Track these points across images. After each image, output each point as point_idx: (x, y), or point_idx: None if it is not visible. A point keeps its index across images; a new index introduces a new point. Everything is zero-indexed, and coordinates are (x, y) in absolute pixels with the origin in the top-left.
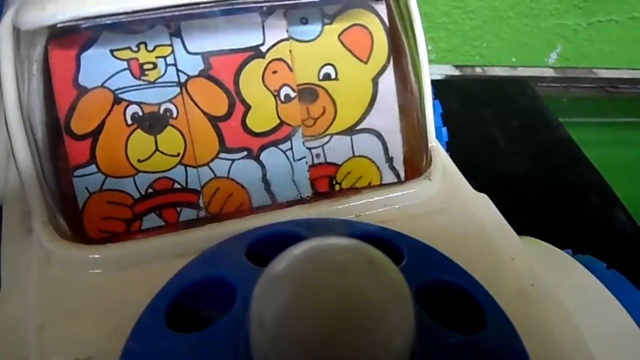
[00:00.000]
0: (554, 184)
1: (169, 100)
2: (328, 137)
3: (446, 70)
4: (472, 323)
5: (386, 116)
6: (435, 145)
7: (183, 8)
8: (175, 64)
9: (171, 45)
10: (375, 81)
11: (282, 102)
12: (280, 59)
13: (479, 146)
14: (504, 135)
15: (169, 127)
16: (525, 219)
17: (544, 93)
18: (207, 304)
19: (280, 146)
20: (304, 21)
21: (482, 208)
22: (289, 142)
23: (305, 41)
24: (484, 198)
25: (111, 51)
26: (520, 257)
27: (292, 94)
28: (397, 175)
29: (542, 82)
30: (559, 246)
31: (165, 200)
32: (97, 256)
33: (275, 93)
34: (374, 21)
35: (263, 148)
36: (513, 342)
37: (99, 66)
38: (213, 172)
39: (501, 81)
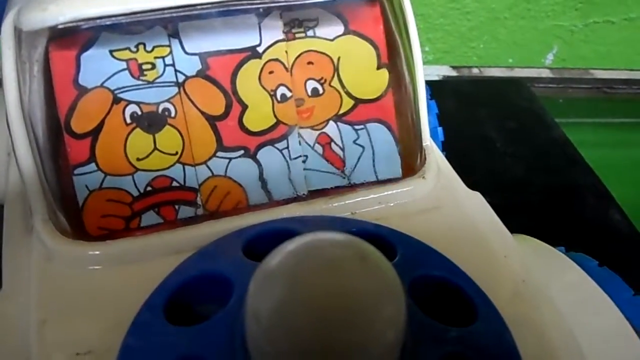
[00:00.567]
0: (550, 184)
1: (167, 100)
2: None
3: (443, 71)
4: (463, 318)
5: None
6: (430, 145)
7: (181, 9)
8: (173, 64)
9: (169, 45)
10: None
11: (278, 102)
12: (276, 60)
13: (475, 146)
14: (501, 135)
15: (167, 127)
16: (521, 218)
17: (540, 94)
18: (204, 299)
19: (276, 145)
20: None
21: (476, 206)
22: (285, 141)
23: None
24: (477, 196)
25: (110, 52)
26: (513, 255)
27: (288, 94)
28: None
29: (539, 82)
30: (554, 245)
31: (164, 198)
32: (97, 253)
33: (272, 93)
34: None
35: (260, 147)
36: (503, 336)
37: (99, 66)
38: (211, 170)
39: (498, 82)
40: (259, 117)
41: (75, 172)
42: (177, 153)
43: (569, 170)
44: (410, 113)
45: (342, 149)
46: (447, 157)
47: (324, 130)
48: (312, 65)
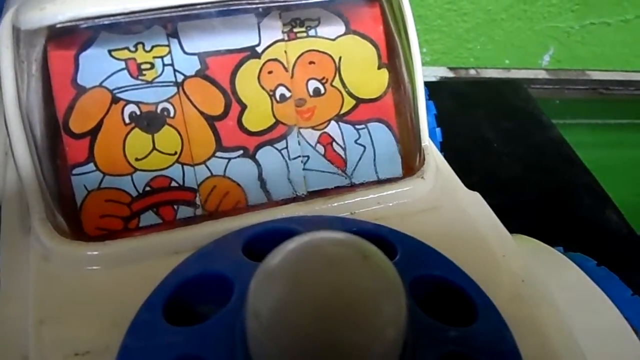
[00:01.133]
0: (547, 185)
1: (166, 100)
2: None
3: (440, 72)
4: (463, 317)
5: None
6: (429, 145)
7: (180, 9)
8: (172, 64)
9: (168, 45)
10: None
11: (277, 102)
12: (275, 60)
13: (472, 147)
14: (498, 136)
15: (166, 126)
16: (518, 218)
17: (537, 95)
18: (204, 299)
19: (275, 145)
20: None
21: (475, 206)
22: (285, 141)
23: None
24: (476, 196)
25: (109, 51)
26: (512, 254)
27: (287, 94)
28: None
29: (535, 83)
30: (551, 245)
31: (163, 198)
32: (95, 253)
33: (271, 93)
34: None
35: (259, 147)
36: (504, 335)
37: (97, 66)
38: (210, 170)
39: (495, 83)
40: (258, 117)
41: (74, 172)
42: (176, 153)
43: (564, 170)
44: (409, 113)
45: (344, 149)
46: (445, 157)
47: (325, 130)
48: (314, 64)
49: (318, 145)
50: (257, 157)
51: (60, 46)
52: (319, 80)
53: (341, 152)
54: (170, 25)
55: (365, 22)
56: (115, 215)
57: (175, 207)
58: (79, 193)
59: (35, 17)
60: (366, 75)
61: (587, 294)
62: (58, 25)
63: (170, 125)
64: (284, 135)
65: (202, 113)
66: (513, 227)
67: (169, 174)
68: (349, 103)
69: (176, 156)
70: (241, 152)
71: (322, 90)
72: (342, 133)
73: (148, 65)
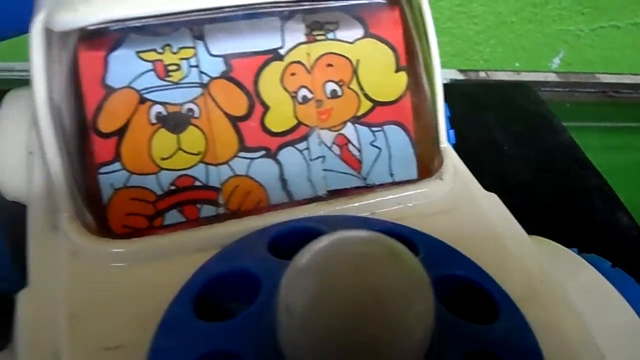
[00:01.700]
0: (558, 187)
1: (192, 101)
2: None
3: (450, 75)
4: (484, 316)
5: None
6: (447, 146)
7: (209, 12)
8: (198, 66)
9: (194, 47)
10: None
11: (299, 103)
12: (298, 62)
13: (483, 149)
14: (508, 138)
15: (191, 127)
16: (529, 220)
17: (546, 97)
18: (230, 296)
19: (297, 146)
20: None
21: (493, 207)
22: (306, 142)
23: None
24: (493, 197)
25: (137, 52)
26: (530, 255)
27: (309, 96)
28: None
29: (545, 86)
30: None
31: (187, 197)
32: (121, 250)
33: (293, 94)
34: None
35: (281, 147)
36: (525, 333)
37: (126, 67)
38: (232, 170)
39: (505, 85)
40: (280, 118)
41: (101, 170)
42: (200, 153)
43: (575, 172)
44: (428, 115)
45: (359, 150)
46: None
47: (341, 131)
48: (332, 67)
49: (334, 146)
50: (278, 157)
51: (91, 47)
52: (337, 83)
53: (356, 154)
54: (197, 27)
55: (384, 25)
56: (141, 214)
57: (199, 206)
58: (106, 191)
59: (69, 19)
60: (383, 78)
61: (604, 295)
62: (90, 27)
63: (195, 126)
64: (305, 136)
65: (226, 114)
66: (524, 229)
67: (193, 173)
68: (366, 105)
69: (200, 156)
70: (263, 152)
71: (339, 92)
72: (358, 135)
73: (175, 67)
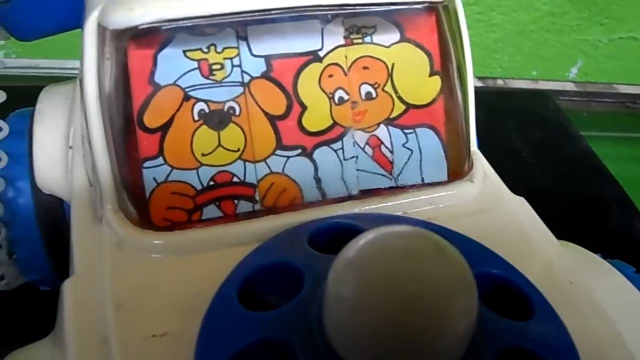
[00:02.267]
0: (576, 194)
1: (233, 99)
2: None
3: None
4: (518, 314)
5: None
6: (476, 150)
7: (256, 14)
8: (240, 65)
9: (237, 47)
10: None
11: (335, 104)
12: (336, 64)
13: (502, 156)
14: (527, 146)
15: (231, 124)
16: (547, 227)
17: (564, 107)
18: (270, 288)
19: (332, 145)
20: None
21: (521, 210)
22: (340, 142)
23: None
24: (522, 201)
25: (184, 51)
26: (559, 258)
27: (345, 97)
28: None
29: (563, 95)
30: None
31: (225, 192)
32: (162, 242)
33: (330, 95)
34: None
35: (316, 147)
36: (560, 331)
37: (173, 65)
38: (269, 167)
39: (523, 93)
40: (316, 118)
41: (145, 164)
42: (239, 150)
43: (593, 181)
44: (460, 119)
45: (391, 152)
46: None
47: (374, 132)
48: (368, 70)
49: (367, 146)
50: (314, 156)
51: (141, 45)
52: (372, 85)
53: (388, 155)
54: (241, 28)
55: (420, 30)
56: (180, 208)
57: (236, 201)
58: (149, 185)
59: (123, 18)
60: (417, 82)
61: (631, 299)
62: (142, 26)
63: (235, 123)
64: (340, 136)
65: (265, 112)
66: None
67: (232, 169)
68: (399, 108)
69: (239, 153)
70: (299, 151)
71: (374, 95)
72: (390, 136)
73: (218, 66)
